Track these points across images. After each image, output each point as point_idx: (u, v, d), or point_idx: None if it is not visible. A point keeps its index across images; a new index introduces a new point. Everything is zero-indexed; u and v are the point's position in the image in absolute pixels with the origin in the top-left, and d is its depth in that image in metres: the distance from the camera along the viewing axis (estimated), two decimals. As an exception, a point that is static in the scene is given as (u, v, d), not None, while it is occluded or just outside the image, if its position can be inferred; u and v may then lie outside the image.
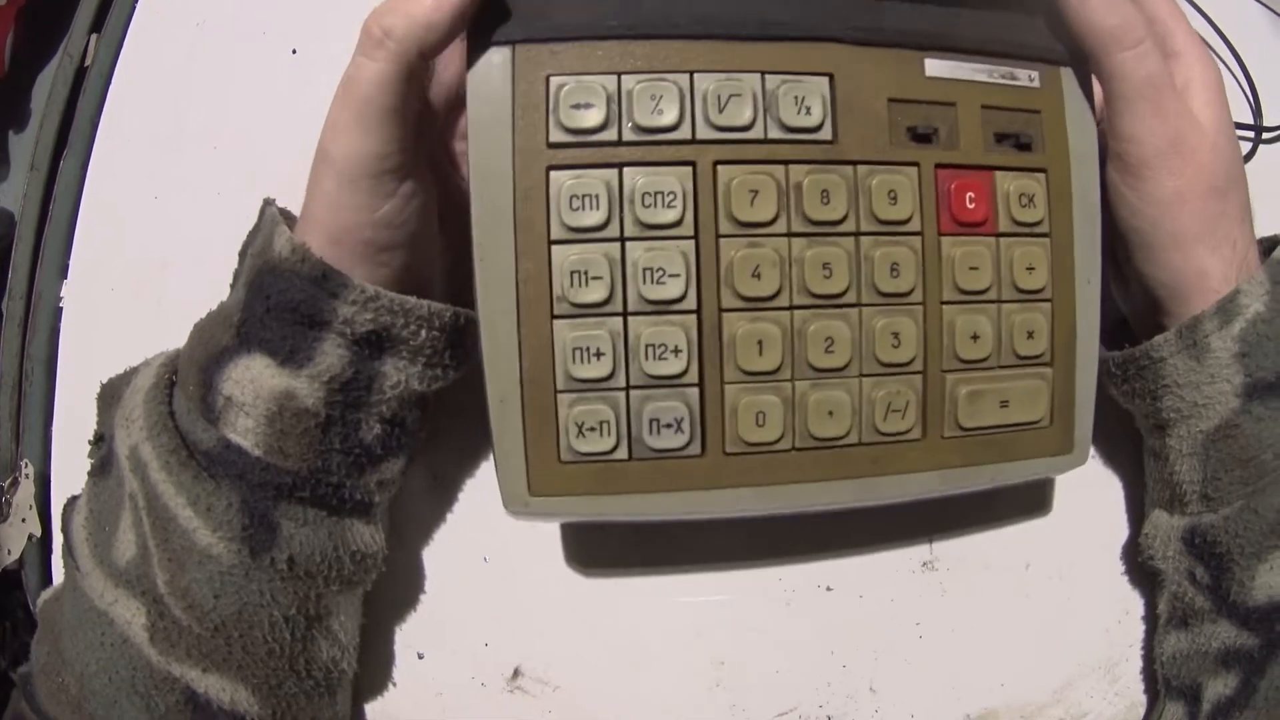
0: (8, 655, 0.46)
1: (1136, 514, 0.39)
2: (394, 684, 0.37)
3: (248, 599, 0.29)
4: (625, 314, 0.29)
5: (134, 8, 0.44)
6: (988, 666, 0.38)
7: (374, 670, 0.37)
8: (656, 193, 0.28)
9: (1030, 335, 0.31)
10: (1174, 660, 0.34)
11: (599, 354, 0.28)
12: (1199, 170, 0.31)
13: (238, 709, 0.30)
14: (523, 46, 0.28)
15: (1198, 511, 0.33)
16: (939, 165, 0.30)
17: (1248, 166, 0.36)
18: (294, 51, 0.43)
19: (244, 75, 0.43)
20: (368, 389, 0.30)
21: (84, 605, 0.30)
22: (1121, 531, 0.40)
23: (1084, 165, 0.32)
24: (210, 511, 0.29)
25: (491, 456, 0.30)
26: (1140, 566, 0.36)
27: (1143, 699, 0.38)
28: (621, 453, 0.29)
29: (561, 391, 0.29)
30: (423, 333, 0.30)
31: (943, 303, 0.30)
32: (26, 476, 0.40)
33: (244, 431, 0.30)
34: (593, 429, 0.29)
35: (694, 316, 0.29)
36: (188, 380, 0.31)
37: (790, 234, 0.29)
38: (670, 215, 0.28)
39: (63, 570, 0.33)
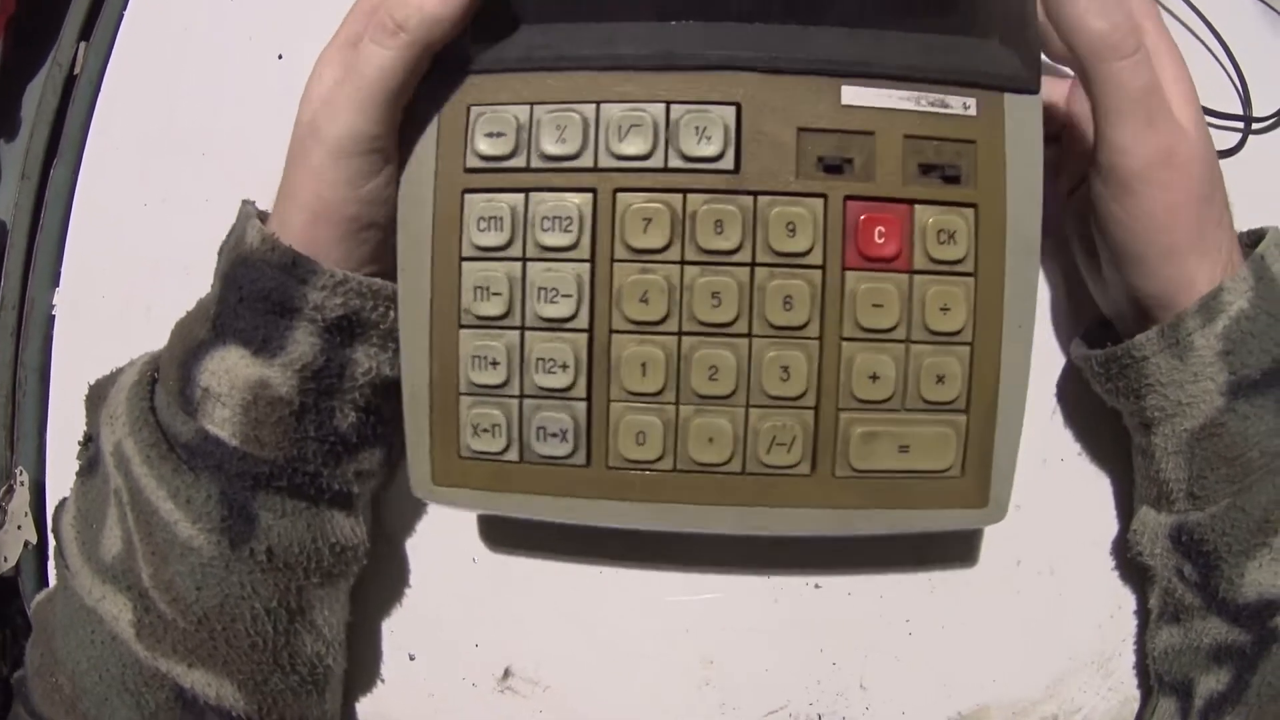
0: (8, 661, 0.46)
1: (1127, 509, 0.37)
2: (385, 684, 0.38)
3: (229, 591, 0.30)
4: (522, 328, 0.31)
5: (122, 16, 0.44)
6: (978, 663, 0.38)
7: (365, 671, 0.38)
8: (555, 217, 0.30)
9: (940, 380, 0.29)
10: (1166, 656, 0.34)
11: (494, 363, 0.31)
12: (1190, 181, 0.29)
13: (224, 704, 0.30)
14: (452, 77, 0.31)
15: (1184, 510, 0.32)
16: (849, 197, 0.29)
17: (1237, 158, 0.35)
18: (280, 57, 0.43)
19: (232, 81, 0.43)
20: (339, 376, 0.31)
21: (74, 604, 0.31)
22: (1112, 527, 0.38)
23: (1023, 200, 0.29)
24: (190, 503, 0.30)
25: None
26: (1131, 562, 0.35)
27: (1137, 694, 0.37)
28: (512, 455, 0.31)
29: (463, 394, 0.31)
30: (391, 314, 0.32)
31: (842, 339, 0.30)
32: (21, 484, 0.40)
33: (221, 422, 0.31)
34: (486, 430, 0.31)
35: (585, 335, 0.30)
36: (168, 375, 0.32)
37: (683, 262, 0.30)
38: (566, 239, 0.30)
39: (55, 572, 0.33)
